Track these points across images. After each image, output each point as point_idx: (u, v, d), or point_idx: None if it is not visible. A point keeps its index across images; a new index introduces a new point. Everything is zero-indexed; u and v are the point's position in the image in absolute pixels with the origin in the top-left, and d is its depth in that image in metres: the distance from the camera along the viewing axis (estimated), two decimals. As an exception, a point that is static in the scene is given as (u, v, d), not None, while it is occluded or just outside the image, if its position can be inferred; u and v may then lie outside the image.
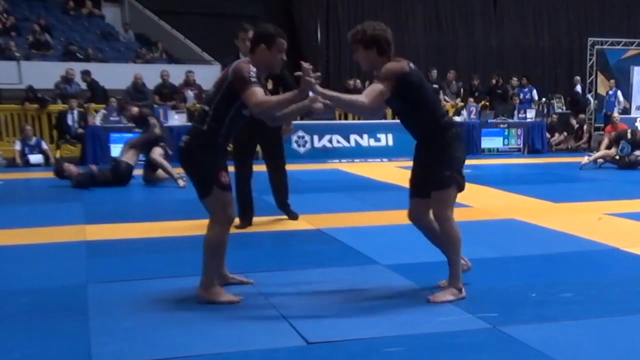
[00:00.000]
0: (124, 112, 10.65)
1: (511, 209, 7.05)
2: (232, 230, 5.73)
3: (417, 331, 3.40)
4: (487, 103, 16.27)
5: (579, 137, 15.78)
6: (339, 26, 20.82)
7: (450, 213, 4.02)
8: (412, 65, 3.98)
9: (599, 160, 11.57)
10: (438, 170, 3.91)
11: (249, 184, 6.12)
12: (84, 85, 14.63)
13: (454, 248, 4.03)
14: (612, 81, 17.13)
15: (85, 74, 14.60)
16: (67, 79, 14.35)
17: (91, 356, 3.09)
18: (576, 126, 16.04)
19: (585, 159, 11.55)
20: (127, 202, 8.14)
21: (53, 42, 17.12)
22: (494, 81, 16.93)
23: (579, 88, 17.35)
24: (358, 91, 15.84)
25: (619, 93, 16.82)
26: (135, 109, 9.89)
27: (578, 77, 17.80)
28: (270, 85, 5.64)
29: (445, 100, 16.34)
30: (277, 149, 6.31)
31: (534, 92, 16.85)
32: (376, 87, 3.82)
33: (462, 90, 16.84)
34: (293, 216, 6.38)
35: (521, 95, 16.57)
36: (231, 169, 5.56)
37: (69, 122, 13.03)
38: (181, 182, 8.91)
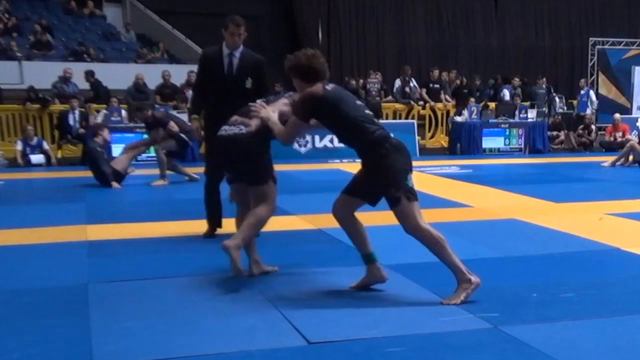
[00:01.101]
0: (138, 113, 10.70)
1: (512, 209, 7.05)
2: (230, 231, 5.75)
3: (418, 331, 3.40)
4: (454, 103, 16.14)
5: (581, 135, 15.77)
6: (340, 26, 20.84)
7: (418, 222, 4.02)
8: (329, 87, 4.02)
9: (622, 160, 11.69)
10: (387, 191, 3.94)
11: (218, 187, 5.69)
12: (81, 85, 14.64)
13: (439, 249, 4.02)
14: (583, 81, 17.02)
15: (89, 74, 14.61)
16: (65, 79, 14.36)
17: (92, 356, 3.09)
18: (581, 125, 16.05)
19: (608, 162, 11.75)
20: (128, 202, 8.14)
21: (54, 42, 17.14)
22: (458, 82, 16.67)
23: (540, 89, 17.29)
24: (355, 91, 15.86)
25: (592, 93, 16.73)
26: (148, 113, 9.99)
27: (544, 79, 17.68)
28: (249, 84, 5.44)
29: (446, 100, 16.36)
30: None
31: (505, 91, 16.66)
32: (291, 122, 4.12)
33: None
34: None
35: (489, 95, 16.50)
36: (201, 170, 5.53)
37: (70, 122, 13.03)
38: (161, 182, 9.20)
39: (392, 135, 4.06)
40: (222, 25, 5.59)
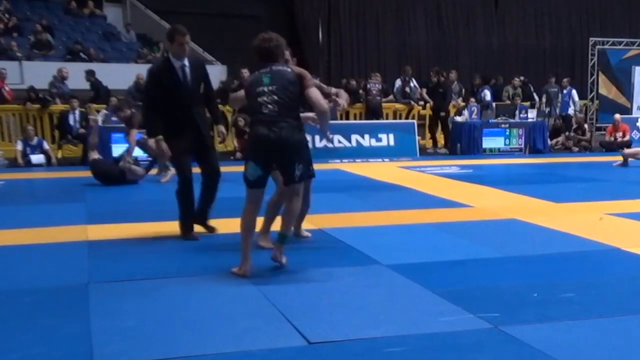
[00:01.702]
0: (118, 112, 10.70)
1: (512, 209, 7.05)
2: (231, 231, 5.77)
3: (418, 331, 3.40)
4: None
5: (580, 133, 15.73)
6: (340, 26, 20.84)
7: (245, 205, 4.65)
8: (256, 73, 4.65)
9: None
10: None
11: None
12: (81, 85, 14.62)
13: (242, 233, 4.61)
14: (566, 80, 16.73)
15: (90, 73, 14.61)
16: (62, 78, 14.34)
17: (93, 356, 3.10)
18: (575, 125, 16.02)
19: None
20: (129, 202, 8.13)
21: (55, 42, 17.14)
22: (435, 79, 16.14)
23: (552, 87, 17.08)
24: (355, 91, 15.87)
25: (574, 92, 16.44)
26: (128, 112, 9.99)
27: (553, 78, 17.34)
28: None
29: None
30: (212, 150, 5.90)
31: (486, 91, 16.26)
32: None
33: (463, 90, 16.79)
34: (211, 229, 5.91)
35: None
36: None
37: (71, 122, 13.03)
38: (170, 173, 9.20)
39: (274, 126, 4.45)
40: (168, 38, 5.60)
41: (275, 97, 4.47)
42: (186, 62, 5.55)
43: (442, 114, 15.14)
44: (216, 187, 5.79)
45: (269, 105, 4.47)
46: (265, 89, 4.50)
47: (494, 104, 15.53)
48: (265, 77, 4.53)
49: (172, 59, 5.53)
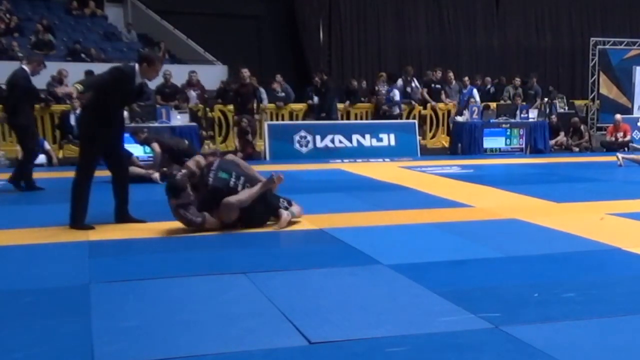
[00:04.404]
0: (134, 136, 10.76)
1: (513, 209, 7.04)
2: (234, 230, 5.77)
3: (419, 331, 3.39)
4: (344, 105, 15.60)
5: (577, 137, 15.76)
6: (341, 26, 20.85)
7: None
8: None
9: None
10: None
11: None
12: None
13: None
14: (467, 79, 15.98)
15: (88, 74, 14.59)
16: (60, 80, 14.35)
17: (93, 356, 3.09)
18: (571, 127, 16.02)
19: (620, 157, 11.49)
20: (129, 202, 8.12)
21: (56, 42, 17.15)
22: (318, 80, 15.50)
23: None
24: (355, 92, 15.86)
25: (475, 92, 15.68)
26: (143, 135, 10.10)
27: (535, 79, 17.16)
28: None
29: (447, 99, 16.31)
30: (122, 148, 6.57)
31: (395, 91, 15.42)
32: None
33: (463, 90, 16.78)
34: (142, 219, 6.40)
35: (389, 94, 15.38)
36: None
37: (72, 122, 13.04)
38: None
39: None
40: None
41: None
42: None
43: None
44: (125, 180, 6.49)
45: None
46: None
47: (402, 105, 15.42)
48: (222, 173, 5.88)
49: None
